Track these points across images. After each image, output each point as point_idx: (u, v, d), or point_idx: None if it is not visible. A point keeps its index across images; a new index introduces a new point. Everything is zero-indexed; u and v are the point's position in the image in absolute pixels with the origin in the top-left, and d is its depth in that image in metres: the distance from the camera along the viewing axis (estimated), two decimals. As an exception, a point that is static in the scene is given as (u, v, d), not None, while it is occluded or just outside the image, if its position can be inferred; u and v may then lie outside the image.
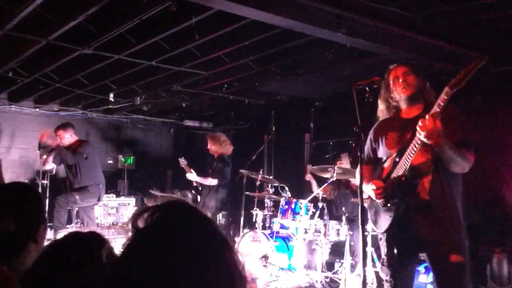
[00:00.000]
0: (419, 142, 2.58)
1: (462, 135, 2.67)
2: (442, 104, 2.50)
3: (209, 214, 0.98)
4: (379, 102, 2.92)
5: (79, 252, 1.31)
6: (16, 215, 1.70)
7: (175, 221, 0.92)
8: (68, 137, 6.24)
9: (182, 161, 6.56)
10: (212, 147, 6.53)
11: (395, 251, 2.77)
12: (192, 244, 0.89)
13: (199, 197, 6.49)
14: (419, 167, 2.70)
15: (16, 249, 1.68)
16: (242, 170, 6.21)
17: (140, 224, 0.92)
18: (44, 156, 6.26)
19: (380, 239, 2.89)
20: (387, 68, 2.91)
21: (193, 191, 6.59)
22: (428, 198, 2.66)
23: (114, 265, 0.92)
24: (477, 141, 2.75)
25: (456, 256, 2.62)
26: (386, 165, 2.86)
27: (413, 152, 2.64)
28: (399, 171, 2.73)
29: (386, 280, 2.82)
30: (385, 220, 2.80)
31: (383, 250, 2.85)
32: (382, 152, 2.92)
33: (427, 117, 2.49)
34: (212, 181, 6.34)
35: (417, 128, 2.52)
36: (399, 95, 2.83)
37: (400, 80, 2.79)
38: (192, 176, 6.39)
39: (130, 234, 0.92)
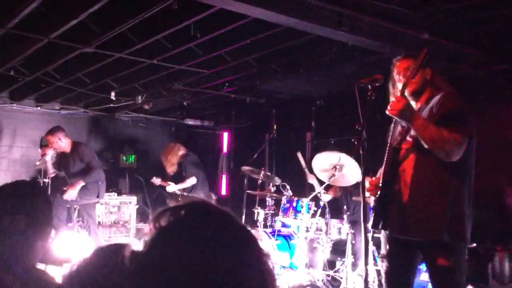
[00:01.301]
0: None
1: (438, 114, 2.62)
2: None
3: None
4: (390, 98, 2.89)
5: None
6: (27, 214, 1.71)
7: (202, 217, 0.89)
8: (58, 141, 6.10)
9: (155, 180, 6.76)
10: (172, 159, 6.76)
11: (387, 246, 2.79)
12: (222, 240, 0.86)
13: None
14: (402, 161, 2.70)
15: (24, 248, 1.68)
16: (244, 167, 6.22)
17: (163, 223, 0.89)
18: (37, 162, 6.23)
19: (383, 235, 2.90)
20: (392, 63, 2.88)
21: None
22: (410, 193, 2.62)
23: (138, 263, 0.88)
24: (468, 124, 2.60)
25: (443, 259, 2.54)
26: None
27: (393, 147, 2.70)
28: (385, 167, 2.74)
29: (384, 273, 2.87)
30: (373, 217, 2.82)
31: (383, 245, 2.88)
32: None
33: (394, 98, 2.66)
34: (191, 181, 6.68)
35: (387, 111, 2.64)
36: None
37: (401, 77, 2.77)
38: (172, 187, 6.57)
39: (150, 234, 0.89)
